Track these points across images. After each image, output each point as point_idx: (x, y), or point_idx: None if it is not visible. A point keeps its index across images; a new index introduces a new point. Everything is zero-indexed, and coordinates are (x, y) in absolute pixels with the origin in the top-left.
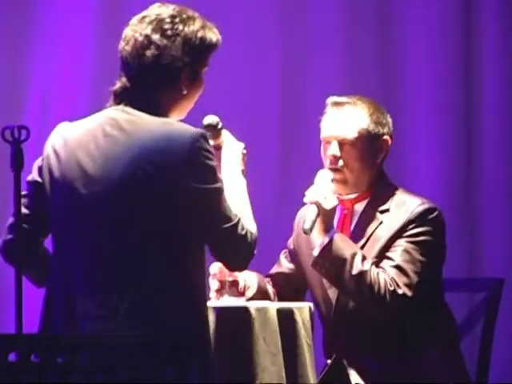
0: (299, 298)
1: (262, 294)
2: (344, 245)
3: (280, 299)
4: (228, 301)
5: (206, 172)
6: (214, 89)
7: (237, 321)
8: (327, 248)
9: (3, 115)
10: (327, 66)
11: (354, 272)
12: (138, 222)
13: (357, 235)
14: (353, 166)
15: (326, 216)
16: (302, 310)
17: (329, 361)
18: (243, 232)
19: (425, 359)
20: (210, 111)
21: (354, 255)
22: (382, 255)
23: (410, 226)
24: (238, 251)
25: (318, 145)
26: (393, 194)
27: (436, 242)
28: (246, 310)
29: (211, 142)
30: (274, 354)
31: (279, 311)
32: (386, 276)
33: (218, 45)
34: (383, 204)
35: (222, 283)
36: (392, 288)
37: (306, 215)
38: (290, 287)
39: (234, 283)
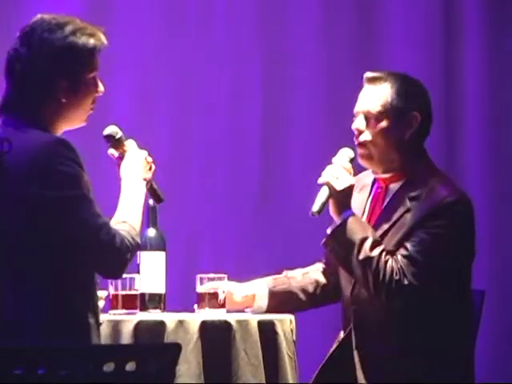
0: None
1: (282, 297)
2: (356, 228)
3: (329, 282)
4: (208, 313)
5: (61, 179)
6: (196, 88)
7: (218, 333)
8: (339, 229)
9: None
10: (308, 65)
11: (361, 257)
12: (4, 239)
13: (384, 217)
14: (376, 140)
15: (338, 197)
16: (284, 321)
17: (342, 333)
18: (107, 237)
19: (432, 354)
20: (190, 112)
21: (363, 240)
22: (401, 244)
23: (431, 218)
24: (104, 258)
25: (300, 146)
26: (427, 180)
27: (456, 236)
28: (226, 322)
29: (115, 153)
30: (255, 367)
31: (260, 323)
32: (394, 265)
33: (98, 48)
34: (415, 190)
35: (203, 296)
36: (397, 277)
37: (317, 196)
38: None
39: (214, 295)
